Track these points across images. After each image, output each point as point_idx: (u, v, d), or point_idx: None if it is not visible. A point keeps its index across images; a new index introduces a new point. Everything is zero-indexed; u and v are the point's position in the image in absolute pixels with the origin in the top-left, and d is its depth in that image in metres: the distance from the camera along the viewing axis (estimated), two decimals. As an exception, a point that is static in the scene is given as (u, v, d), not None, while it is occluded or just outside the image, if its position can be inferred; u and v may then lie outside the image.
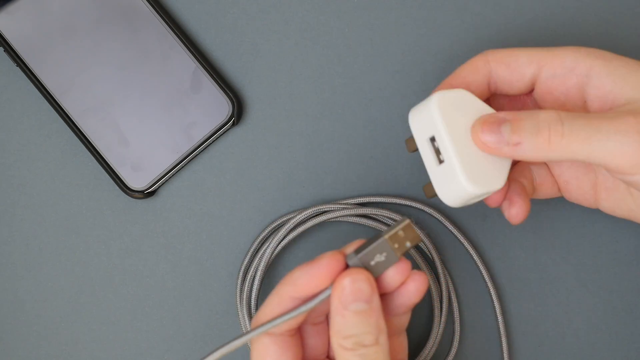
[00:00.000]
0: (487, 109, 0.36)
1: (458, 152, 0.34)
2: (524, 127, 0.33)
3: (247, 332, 0.33)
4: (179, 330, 0.44)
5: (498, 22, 0.45)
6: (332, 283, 0.33)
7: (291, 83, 0.45)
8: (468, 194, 0.34)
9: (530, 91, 0.37)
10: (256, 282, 0.42)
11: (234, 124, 0.44)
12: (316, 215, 0.43)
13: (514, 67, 0.36)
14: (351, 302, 0.32)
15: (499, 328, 0.44)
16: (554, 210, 0.45)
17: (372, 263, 0.33)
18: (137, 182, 0.43)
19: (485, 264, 0.44)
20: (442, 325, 0.42)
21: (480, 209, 0.45)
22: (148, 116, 0.44)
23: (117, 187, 0.44)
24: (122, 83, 0.44)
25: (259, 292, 0.42)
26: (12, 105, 0.45)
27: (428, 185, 0.36)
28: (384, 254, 0.33)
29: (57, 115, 0.45)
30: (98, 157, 0.43)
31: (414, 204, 0.44)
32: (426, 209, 0.44)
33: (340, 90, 0.45)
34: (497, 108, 0.40)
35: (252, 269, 0.42)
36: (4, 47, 0.44)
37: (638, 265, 0.44)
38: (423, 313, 0.44)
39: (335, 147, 0.45)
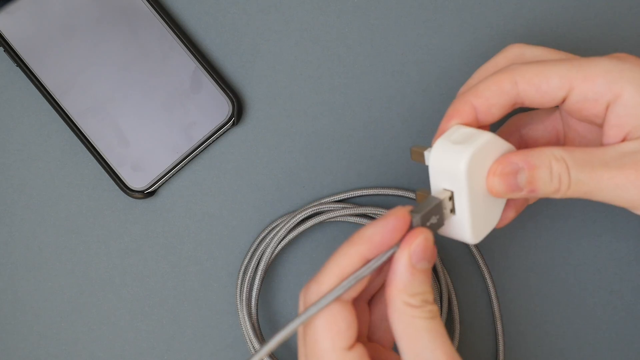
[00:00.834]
0: (504, 147, 0.35)
1: (472, 210, 0.34)
2: (539, 177, 0.33)
3: (324, 297, 0.31)
4: (179, 330, 0.44)
5: (498, 22, 0.45)
6: (400, 241, 0.32)
7: (291, 83, 0.45)
8: (469, 243, 0.36)
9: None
10: (256, 282, 0.42)
11: (234, 124, 0.44)
12: (315, 215, 0.43)
13: (544, 91, 0.34)
14: (421, 259, 0.32)
15: (496, 327, 0.44)
16: (554, 210, 0.45)
17: (427, 224, 0.33)
18: (137, 182, 0.43)
19: (486, 263, 0.44)
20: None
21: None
22: (148, 116, 0.44)
23: (117, 187, 0.44)
24: (122, 83, 0.44)
25: (259, 292, 0.42)
26: (12, 105, 0.45)
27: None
28: (437, 217, 0.33)
29: (57, 115, 0.45)
30: (98, 157, 0.43)
31: (413, 195, 0.44)
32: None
33: (340, 90, 0.45)
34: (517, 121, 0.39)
35: (251, 269, 0.42)
36: (4, 47, 0.44)
37: (638, 265, 0.44)
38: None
39: (335, 147, 0.45)
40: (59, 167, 0.44)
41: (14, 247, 0.44)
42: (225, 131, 0.44)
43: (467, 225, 0.34)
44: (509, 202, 0.38)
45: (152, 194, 0.44)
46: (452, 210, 0.34)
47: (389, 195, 0.44)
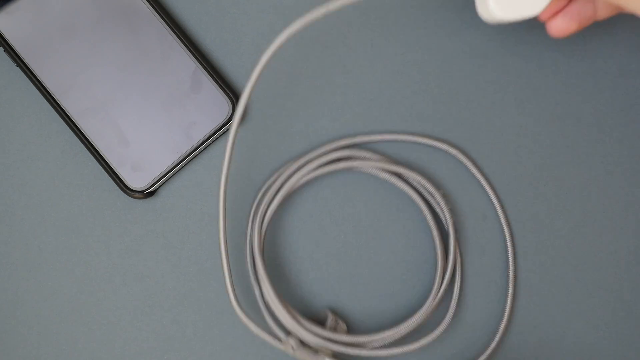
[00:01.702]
0: None
1: None
2: None
3: None
4: (179, 330, 0.44)
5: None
6: None
7: (291, 83, 0.45)
8: (495, 19, 0.34)
9: None
10: (274, 204, 0.42)
11: (234, 124, 0.44)
12: (346, 159, 0.43)
13: None
14: None
15: (499, 324, 0.44)
16: (554, 210, 0.45)
17: None
18: (137, 182, 0.43)
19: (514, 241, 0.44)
20: (438, 298, 0.43)
21: (479, 210, 0.45)
22: (148, 116, 0.44)
23: (117, 187, 0.44)
24: (122, 83, 0.44)
25: (272, 215, 0.42)
26: (12, 105, 0.45)
27: None
28: None
29: (57, 115, 0.45)
30: (98, 157, 0.43)
31: (441, 145, 0.44)
32: (451, 150, 0.44)
33: (340, 90, 0.45)
34: None
35: (271, 193, 0.42)
36: (4, 47, 0.44)
37: (638, 265, 0.44)
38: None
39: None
40: (59, 167, 0.44)
41: (14, 247, 0.44)
42: (225, 131, 0.44)
43: None
44: (574, 11, 0.36)
45: (152, 194, 0.44)
46: None
47: (420, 144, 0.44)
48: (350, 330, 0.43)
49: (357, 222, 0.44)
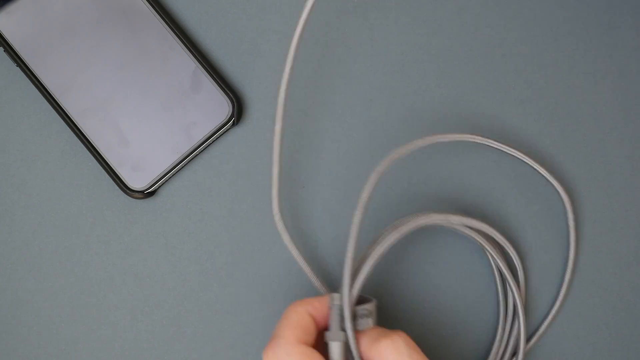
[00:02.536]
0: None
1: None
2: None
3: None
4: (179, 330, 0.44)
5: (498, 22, 0.45)
6: None
7: (291, 83, 0.45)
8: None
9: None
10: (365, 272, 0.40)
11: (234, 124, 0.44)
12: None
13: None
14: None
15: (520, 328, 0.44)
16: (553, 210, 0.45)
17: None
18: (137, 182, 0.43)
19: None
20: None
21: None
22: (148, 116, 0.44)
23: (117, 187, 0.44)
24: (122, 83, 0.44)
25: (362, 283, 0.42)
26: (12, 105, 0.45)
27: None
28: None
29: (57, 115, 0.45)
30: (98, 157, 0.43)
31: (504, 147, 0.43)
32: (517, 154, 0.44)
33: (340, 90, 0.45)
34: None
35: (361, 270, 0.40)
36: (4, 47, 0.44)
37: (638, 265, 0.44)
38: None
39: (335, 147, 0.45)
40: (59, 167, 0.44)
41: (14, 247, 0.44)
42: (225, 131, 0.44)
43: None
44: None
45: (152, 194, 0.44)
46: None
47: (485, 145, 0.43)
48: None
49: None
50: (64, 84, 0.44)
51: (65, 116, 0.43)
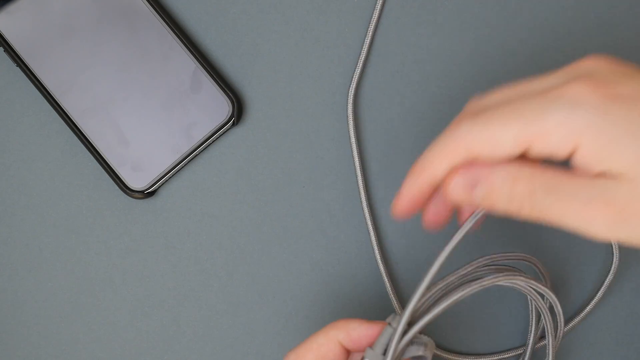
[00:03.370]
0: None
1: None
2: (498, 197, 0.32)
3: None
4: (179, 330, 0.44)
5: (498, 22, 0.45)
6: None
7: (291, 83, 0.45)
8: None
9: None
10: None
11: (234, 124, 0.44)
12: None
13: (500, 154, 0.32)
14: None
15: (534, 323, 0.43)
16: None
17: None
18: (137, 182, 0.43)
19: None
20: None
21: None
22: (148, 116, 0.44)
23: (117, 187, 0.44)
24: (122, 83, 0.44)
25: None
26: (12, 105, 0.45)
27: None
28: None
29: (57, 115, 0.45)
30: (98, 157, 0.43)
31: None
32: None
33: (340, 90, 0.45)
34: None
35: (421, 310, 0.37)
36: (4, 47, 0.44)
37: (638, 266, 0.44)
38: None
39: (335, 147, 0.45)
40: (59, 167, 0.44)
41: (14, 247, 0.44)
42: (225, 131, 0.44)
43: None
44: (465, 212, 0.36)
45: (152, 194, 0.44)
46: None
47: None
48: None
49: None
50: (64, 84, 0.44)
51: (65, 116, 0.43)
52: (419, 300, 0.34)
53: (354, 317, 0.44)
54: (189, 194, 0.44)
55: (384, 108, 0.45)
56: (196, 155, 0.44)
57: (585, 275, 0.44)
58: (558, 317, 0.40)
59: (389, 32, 0.45)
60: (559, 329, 0.41)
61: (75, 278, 0.44)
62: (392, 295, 0.44)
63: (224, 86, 0.44)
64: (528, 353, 0.42)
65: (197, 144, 0.44)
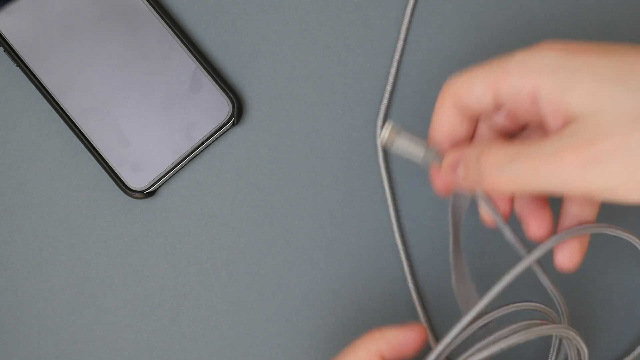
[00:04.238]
0: None
1: None
2: (470, 175, 0.33)
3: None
4: (179, 330, 0.44)
5: (498, 22, 0.45)
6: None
7: (291, 83, 0.45)
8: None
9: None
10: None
11: (234, 124, 0.44)
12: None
13: (477, 98, 0.33)
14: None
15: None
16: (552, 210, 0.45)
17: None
18: (137, 182, 0.43)
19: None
20: None
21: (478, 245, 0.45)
22: (148, 116, 0.44)
23: (117, 187, 0.44)
24: (122, 83, 0.44)
25: None
26: (12, 105, 0.45)
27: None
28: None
29: (57, 115, 0.45)
30: (98, 157, 0.43)
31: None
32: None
33: (340, 90, 0.45)
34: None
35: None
36: (4, 47, 0.44)
37: (638, 266, 0.44)
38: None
39: (335, 147, 0.45)
40: (59, 167, 0.44)
41: (14, 247, 0.44)
42: (225, 131, 0.44)
43: None
44: (574, 243, 0.36)
45: (152, 194, 0.44)
46: None
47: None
48: None
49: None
50: (64, 84, 0.44)
51: (65, 116, 0.43)
52: (458, 333, 0.34)
53: (354, 316, 0.44)
54: (189, 194, 0.44)
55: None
56: (196, 155, 0.44)
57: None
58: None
59: (388, 32, 0.45)
60: None
61: (75, 278, 0.44)
62: (414, 294, 0.44)
63: (224, 86, 0.44)
64: None
65: (197, 144, 0.44)
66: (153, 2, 0.44)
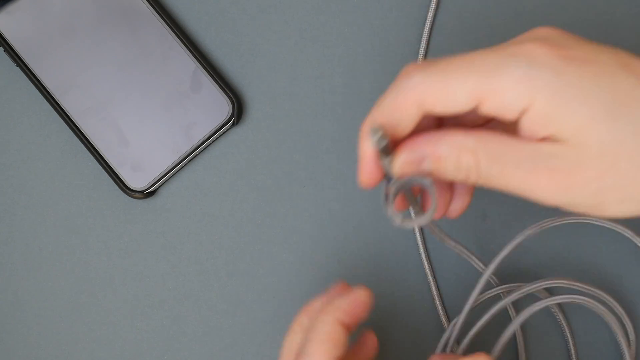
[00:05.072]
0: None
1: None
2: (445, 168, 0.31)
3: None
4: (179, 330, 0.44)
5: (498, 22, 0.45)
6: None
7: (291, 83, 0.45)
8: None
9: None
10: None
11: (234, 124, 0.44)
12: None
13: (453, 106, 0.31)
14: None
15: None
16: (550, 211, 0.45)
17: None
18: (137, 182, 0.43)
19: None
20: None
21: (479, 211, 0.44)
22: (148, 116, 0.44)
23: (117, 187, 0.44)
24: (122, 83, 0.44)
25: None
26: (12, 105, 0.45)
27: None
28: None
29: (57, 115, 0.45)
30: (98, 157, 0.43)
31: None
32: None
33: (340, 90, 0.45)
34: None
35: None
36: (4, 47, 0.44)
37: (638, 265, 0.44)
38: None
39: (335, 147, 0.45)
40: (59, 167, 0.44)
41: (14, 247, 0.44)
42: (225, 131, 0.44)
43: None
44: (460, 188, 0.36)
45: (152, 194, 0.44)
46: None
47: None
48: None
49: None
50: (64, 84, 0.44)
51: (65, 116, 0.43)
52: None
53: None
54: (189, 194, 0.44)
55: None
56: (196, 155, 0.44)
57: None
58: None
59: (388, 32, 0.45)
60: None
61: (75, 278, 0.44)
62: (436, 296, 0.44)
63: (224, 86, 0.44)
64: None
65: (197, 144, 0.44)
66: (153, 2, 0.44)
